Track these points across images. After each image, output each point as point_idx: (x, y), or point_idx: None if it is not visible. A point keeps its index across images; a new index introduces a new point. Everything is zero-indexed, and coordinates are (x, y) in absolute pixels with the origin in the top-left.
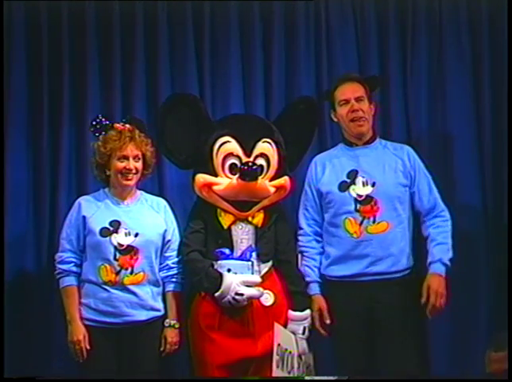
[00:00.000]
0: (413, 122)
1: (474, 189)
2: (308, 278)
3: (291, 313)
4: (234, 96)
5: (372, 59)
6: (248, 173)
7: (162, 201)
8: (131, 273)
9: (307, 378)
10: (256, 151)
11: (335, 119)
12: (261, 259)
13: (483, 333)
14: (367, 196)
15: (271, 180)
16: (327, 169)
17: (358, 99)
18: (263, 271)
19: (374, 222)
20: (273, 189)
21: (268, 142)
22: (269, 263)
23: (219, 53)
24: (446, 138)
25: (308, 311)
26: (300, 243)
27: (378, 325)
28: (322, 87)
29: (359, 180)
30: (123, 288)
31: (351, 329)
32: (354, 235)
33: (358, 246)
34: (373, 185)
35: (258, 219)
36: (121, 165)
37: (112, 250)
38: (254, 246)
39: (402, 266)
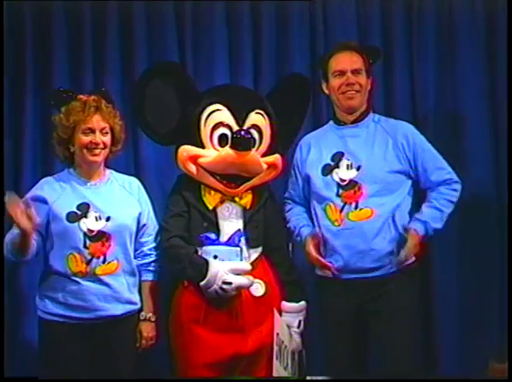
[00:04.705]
0: (420, 100)
1: (487, 174)
2: (297, 227)
3: (285, 304)
4: (219, 69)
5: (374, 29)
6: (241, 141)
7: (135, 181)
8: (103, 262)
9: (308, 378)
10: (248, 122)
11: (326, 91)
12: (251, 245)
13: (493, 332)
14: (351, 180)
15: (262, 156)
16: (312, 150)
17: (355, 72)
18: (252, 258)
19: (356, 208)
20: (265, 166)
21: (261, 114)
22: (259, 249)
23: (202, 19)
24: (456, 118)
25: (303, 302)
26: (286, 214)
27: (368, 326)
28: (317, 60)
29: (344, 163)
30: (95, 279)
31: (339, 330)
32: (336, 224)
33: (339, 235)
34: (358, 168)
35: (247, 200)
36: (86, 138)
37: (81, 236)
38: (242, 230)
39: (392, 257)
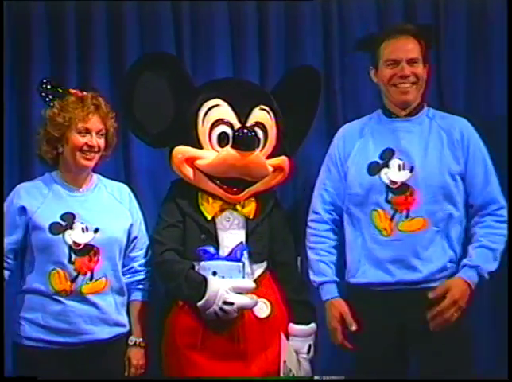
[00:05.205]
0: (448, 101)
1: None
2: (322, 278)
3: (293, 327)
4: (220, 62)
5: (395, 18)
6: (244, 139)
7: (125, 188)
8: (91, 279)
9: (316, 378)
10: (252, 119)
11: (375, 80)
12: (254, 259)
13: None
14: (403, 183)
15: (267, 158)
16: (358, 143)
17: (411, 61)
18: (256, 274)
19: (407, 217)
20: (270, 169)
21: (266, 110)
22: (264, 264)
23: (201, 17)
24: (488, 119)
25: (313, 325)
26: (312, 231)
27: (412, 343)
28: (330, 54)
29: (395, 162)
30: (81, 299)
31: (376, 346)
32: (384, 233)
33: (387, 247)
34: (411, 170)
35: (250, 208)
36: (82, 140)
37: (66, 250)
38: (244, 242)
39: (444, 274)
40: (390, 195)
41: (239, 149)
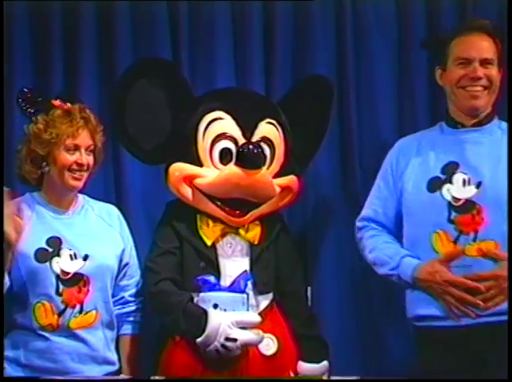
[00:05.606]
0: None
1: None
2: (396, 258)
3: (303, 365)
4: (222, 69)
5: (418, 27)
6: (249, 156)
7: (114, 210)
8: (80, 312)
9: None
10: (258, 134)
11: (440, 82)
12: (259, 290)
13: None
14: (468, 200)
15: (274, 177)
16: (415, 157)
17: (484, 62)
18: (262, 307)
19: (474, 240)
20: (278, 189)
21: (273, 124)
22: (270, 296)
23: (202, 16)
24: None
25: (325, 363)
26: (365, 237)
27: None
28: (344, 62)
29: (459, 177)
30: (69, 334)
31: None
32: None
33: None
34: (478, 185)
35: (254, 233)
36: (70, 158)
37: (53, 280)
38: (249, 271)
39: None
40: (453, 214)
41: (244, 167)
